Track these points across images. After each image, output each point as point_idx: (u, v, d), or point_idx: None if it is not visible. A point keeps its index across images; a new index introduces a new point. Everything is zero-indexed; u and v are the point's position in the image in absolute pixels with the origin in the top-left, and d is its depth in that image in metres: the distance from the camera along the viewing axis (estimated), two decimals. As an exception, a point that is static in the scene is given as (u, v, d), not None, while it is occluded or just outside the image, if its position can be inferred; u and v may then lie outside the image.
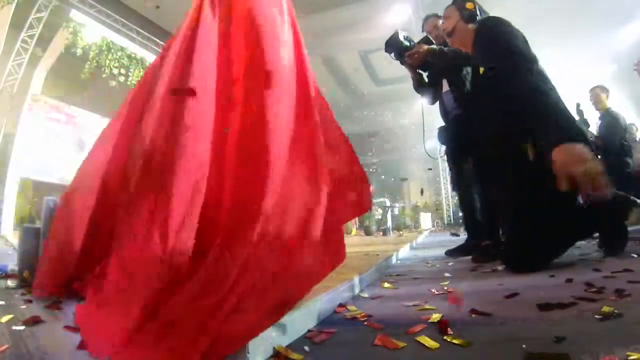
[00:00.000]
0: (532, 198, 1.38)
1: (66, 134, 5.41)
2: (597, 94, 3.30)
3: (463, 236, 2.80)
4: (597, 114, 3.42)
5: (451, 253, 2.21)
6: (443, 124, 2.33)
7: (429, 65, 2.20)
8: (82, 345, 0.63)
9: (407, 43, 2.12)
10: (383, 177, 14.87)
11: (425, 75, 2.32)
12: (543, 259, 1.36)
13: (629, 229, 1.52)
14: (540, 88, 1.25)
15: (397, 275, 1.59)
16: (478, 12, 1.65)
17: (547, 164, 1.20)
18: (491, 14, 1.72)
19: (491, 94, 1.46)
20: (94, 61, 5.32)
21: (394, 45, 2.13)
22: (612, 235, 1.50)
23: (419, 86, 2.31)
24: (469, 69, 2.05)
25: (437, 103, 2.34)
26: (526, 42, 1.43)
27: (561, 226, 1.32)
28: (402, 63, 2.18)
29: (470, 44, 1.61)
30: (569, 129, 1.16)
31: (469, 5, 1.64)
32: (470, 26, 1.63)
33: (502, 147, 1.44)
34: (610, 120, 3.28)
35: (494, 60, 1.42)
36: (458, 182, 2.28)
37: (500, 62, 1.38)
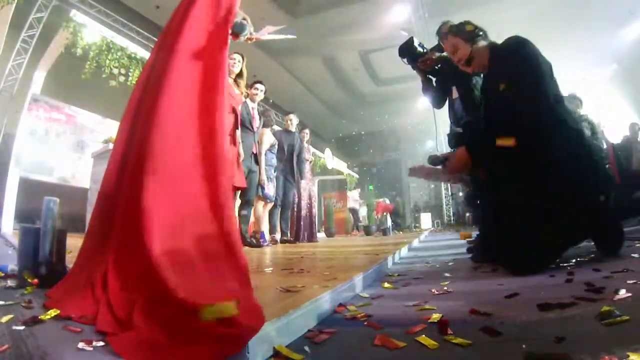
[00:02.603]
0: (530, 202, 1.37)
1: (66, 134, 5.40)
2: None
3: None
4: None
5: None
6: (446, 124, 2.36)
7: (439, 71, 2.23)
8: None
9: (421, 50, 2.15)
10: (383, 177, 14.88)
11: (434, 80, 2.34)
12: (542, 262, 1.35)
13: (629, 229, 1.52)
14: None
15: (397, 275, 1.59)
16: (477, 29, 1.67)
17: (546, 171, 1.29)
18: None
19: (506, 110, 1.49)
20: (94, 61, 5.31)
21: (408, 52, 2.17)
22: (608, 236, 1.49)
23: (427, 90, 2.34)
24: (477, 79, 2.09)
25: (447, 109, 2.36)
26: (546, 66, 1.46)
27: (559, 229, 1.32)
28: (413, 68, 2.23)
29: (487, 60, 1.63)
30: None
31: (468, 27, 1.66)
32: (482, 44, 1.65)
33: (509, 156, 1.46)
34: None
35: (516, 83, 1.45)
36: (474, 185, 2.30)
37: (522, 87, 1.43)
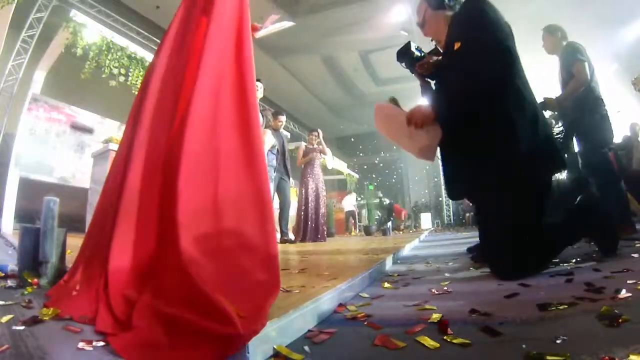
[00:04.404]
0: (520, 204, 1.32)
1: (66, 134, 5.40)
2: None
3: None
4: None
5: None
6: None
7: (437, 74, 2.24)
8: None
9: (418, 54, 2.17)
10: (383, 177, 14.88)
11: (432, 83, 2.35)
12: (534, 265, 1.31)
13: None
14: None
15: (397, 275, 1.59)
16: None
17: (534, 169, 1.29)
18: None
19: (458, 70, 1.46)
20: (94, 61, 5.31)
21: (406, 56, 2.18)
22: (603, 237, 1.49)
23: (426, 93, 2.34)
24: None
25: None
26: (502, 25, 1.41)
27: (550, 232, 1.31)
28: (412, 72, 2.24)
29: (444, 29, 1.62)
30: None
31: None
32: (441, 12, 1.64)
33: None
34: None
35: (469, 39, 1.43)
36: None
37: (472, 42, 1.40)
